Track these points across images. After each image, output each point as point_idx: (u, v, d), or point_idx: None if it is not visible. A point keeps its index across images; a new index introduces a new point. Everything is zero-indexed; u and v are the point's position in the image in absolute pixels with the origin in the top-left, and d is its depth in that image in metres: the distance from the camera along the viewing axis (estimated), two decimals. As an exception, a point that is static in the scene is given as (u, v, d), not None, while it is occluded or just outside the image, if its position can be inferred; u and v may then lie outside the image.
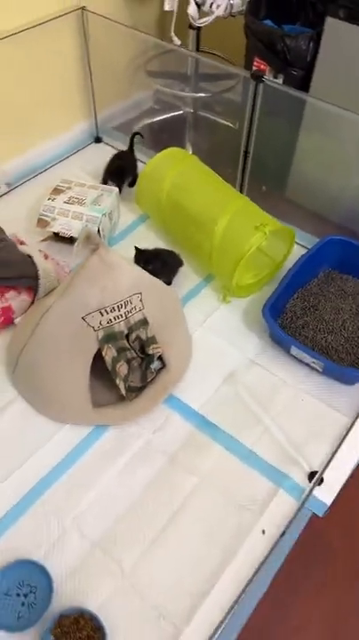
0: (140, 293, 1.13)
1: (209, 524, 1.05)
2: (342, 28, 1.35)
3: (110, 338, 1.11)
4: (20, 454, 1.13)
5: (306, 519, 1.07)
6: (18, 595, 0.95)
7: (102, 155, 1.89)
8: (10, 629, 0.91)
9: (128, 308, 1.11)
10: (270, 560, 0.97)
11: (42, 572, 0.97)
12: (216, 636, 0.89)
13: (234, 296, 1.46)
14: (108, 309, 1.07)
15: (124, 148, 1.75)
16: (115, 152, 1.75)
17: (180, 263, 1.46)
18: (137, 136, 1.71)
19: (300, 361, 1.30)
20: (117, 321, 1.10)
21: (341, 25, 1.35)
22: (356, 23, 1.32)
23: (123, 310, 1.10)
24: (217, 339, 1.37)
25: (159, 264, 1.36)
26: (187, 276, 1.50)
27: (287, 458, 1.15)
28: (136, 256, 1.38)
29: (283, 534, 0.97)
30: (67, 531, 1.04)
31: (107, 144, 1.97)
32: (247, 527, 1.05)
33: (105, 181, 1.67)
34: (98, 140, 1.97)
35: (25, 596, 0.95)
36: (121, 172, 1.66)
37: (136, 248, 1.39)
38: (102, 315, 1.08)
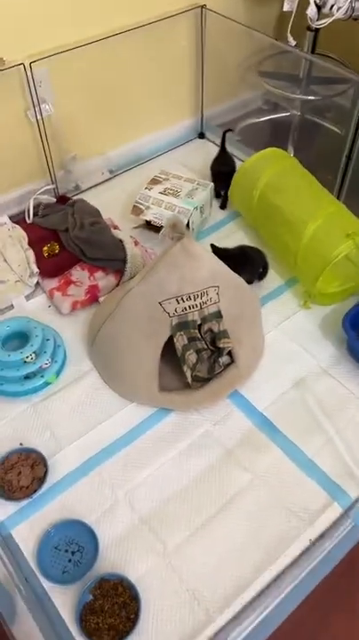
0: (218, 287, 1.15)
1: (256, 523, 1.05)
2: None
3: (183, 326, 1.14)
4: (87, 423, 1.20)
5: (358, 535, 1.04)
6: (66, 551, 1.02)
7: (204, 150, 1.94)
8: (54, 581, 0.98)
9: (204, 299, 1.13)
10: (314, 568, 0.96)
11: (91, 534, 1.03)
12: (246, 632, 0.90)
13: (315, 302, 1.43)
14: (184, 298, 1.11)
15: (227, 146, 1.76)
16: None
17: (264, 262, 1.45)
18: (228, 132, 1.70)
19: (375, 378, 1.25)
20: (192, 310, 1.13)
21: None
22: None
23: (198, 300, 1.12)
24: (291, 343, 1.36)
25: (241, 260, 1.37)
26: (270, 277, 1.49)
27: (347, 473, 1.12)
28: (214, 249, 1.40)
29: (320, 537, 0.95)
30: (119, 502, 1.09)
31: (209, 140, 2.00)
32: (295, 534, 1.03)
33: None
34: (201, 135, 2.01)
35: (72, 553, 1.02)
36: (221, 177, 1.67)
37: (212, 246, 1.40)
38: (178, 302, 1.11)
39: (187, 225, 1.52)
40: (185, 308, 1.12)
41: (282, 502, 1.08)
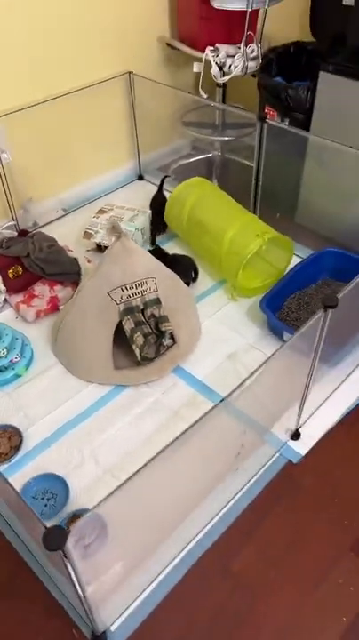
0: (155, 278, 1.42)
1: (203, 460, 1.27)
2: (331, 80, 1.66)
3: (129, 311, 1.41)
4: (54, 403, 1.42)
5: (282, 463, 1.27)
6: (42, 498, 1.21)
7: (143, 189, 2.28)
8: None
9: (144, 287, 1.40)
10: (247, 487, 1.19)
11: (63, 483, 1.23)
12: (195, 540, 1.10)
13: (240, 295, 1.72)
14: (128, 286, 1.38)
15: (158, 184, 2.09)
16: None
17: (195, 267, 1.75)
18: (166, 178, 2.04)
19: (291, 345, 1.53)
20: (134, 297, 1.40)
21: (330, 77, 1.66)
22: (342, 75, 1.64)
23: (139, 289, 1.39)
24: (223, 327, 1.63)
25: (175, 264, 1.65)
26: (202, 280, 1.78)
27: (273, 420, 1.37)
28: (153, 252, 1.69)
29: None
30: (85, 459, 1.29)
31: (147, 181, 2.35)
32: (233, 466, 1.26)
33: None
34: (140, 177, 2.36)
35: (47, 500, 1.21)
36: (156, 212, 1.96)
37: (151, 250, 1.70)
38: (123, 291, 1.38)
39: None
40: (129, 296, 1.39)
41: (223, 445, 1.31)
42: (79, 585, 0.79)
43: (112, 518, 0.83)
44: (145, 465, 0.79)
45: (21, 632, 1.03)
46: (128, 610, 1.05)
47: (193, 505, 1.17)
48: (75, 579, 0.77)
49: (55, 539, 0.67)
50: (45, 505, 1.20)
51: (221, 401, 0.88)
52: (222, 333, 1.62)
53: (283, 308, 1.65)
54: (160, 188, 2.02)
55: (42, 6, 1.72)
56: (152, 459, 0.80)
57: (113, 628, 1.02)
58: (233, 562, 1.12)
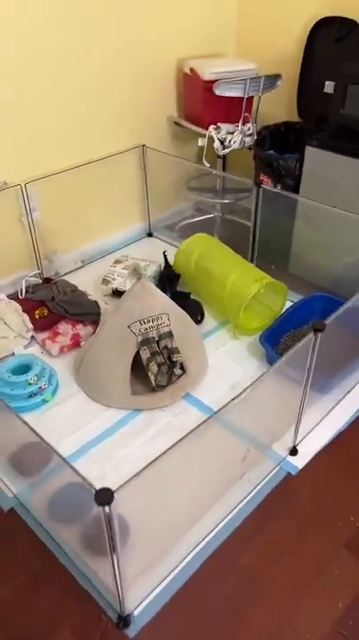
0: (168, 314, 1.65)
1: (214, 473, 1.44)
2: (315, 152, 1.98)
3: (146, 342, 1.61)
4: (79, 424, 1.59)
5: (282, 475, 1.44)
6: (70, 505, 1.36)
7: (152, 244, 2.56)
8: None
9: (159, 322, 1.62)
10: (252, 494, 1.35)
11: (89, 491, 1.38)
12: (209, 537, 1.25)
13: (241, 334, 1.94)
14: (145, 320, 1.59)
15: (168, 240, 2.35)
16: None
17: (201, 309, 1.98)
18: (165, 252, 2.23)
19: (287, 374, 1.73)
20: (151, 330, 1.61)
21: (315, 150, 1.98)
22: (324, 149, 1.95)
23: (155, 323, 1.61)
24: (227, 361, 1.84)
25: (184, 306, 1.88)
26: (207, 320, 2.01)
27: (273, 438, 1.55)
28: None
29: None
30: (107, 472, 1.45)
31: (156, 237, 2.64)
32: (237, 477, 1.42)
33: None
34: (150, 234, 2.65)
35: (75, 506, 1.36)
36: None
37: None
38: (141, 324, 1.60)
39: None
40: (146, 329, 1.60)
41: (229, 460, 1.48)
42: (115, 549, 0.95)
43: (132, 511, 0.99)
44: (159, 456, 0.96)
45: (54, 615, 1.15)
46: (149, 597, 1.18)
47: (207, 505, 1.32)
48: (113, 540, 0.93)
49: (105, 496, 0.84)
50: (73, 510, 1.35)
51: (215, 413, 1.07)
52: (226, 366, 1.82)
53: (279, 343, 1.86)
54: (166, 262, 2.22)
55: (69, 91, 2.06)
56: (164, 452, 0.97)
57: (136, 613, 1.15)
58: (241, 556, 1.26)
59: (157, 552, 1.26)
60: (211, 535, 1.30)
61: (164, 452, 0.97)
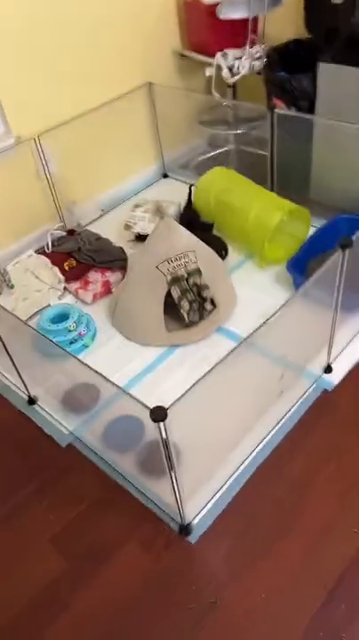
0: (194, 251, 1.68)
1: (254, 393, 1.51)
2: (329, 68, 1.91)
3: (175, 280, 1.66)
4: (120, 364, 1.68)
5: (319, 391, 1.51)
6: (122, 436, 1.46)
7: (169, 185, 2.55)
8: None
9: (186, 259, 1.65)
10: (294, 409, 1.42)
11: (137, 421, 1.48)
12: (256, 450, 1.34)
13: (268, 263, 1.96)
14: (172, 259, 1.63)
15: (184, 179, 2.33)
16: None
17: (224, 245, 2.00)
18: (192, 187, 2.23)
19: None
20: (179, 268, 1.65)
21: (328, 66, 1.91)
22: (338, 63, 1.88)
23: (182, 260, 1.65)
24: (255, 292, 1.88)
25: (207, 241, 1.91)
26: (231, 255, 2.03)
27: (307, 359, 1.60)
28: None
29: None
30: (152, 403, 1.54)
31: (172, 178, 2.62)
32: (275, 396, 1.50)
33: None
34: (165, 175, 2.63)
35: (127, 435, 1.46)
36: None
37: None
38: (169, 263, 1.63)
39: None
40: (174, 267, 1.64)
41: (267, 385, 1.55)
42: (172, 465, 1.04)
43: (182, 430, 1.06)
44: (202, 377, 1.02)
45: (120, 531, 1.28)
46: (205, 508, 1.29)
47: (251, 423, 1.41)
48: (170, 457, 1.01)
49: (159, 414, 0.92)
50: (125, 439, 1.45)
51: (246, 339, 1.12)
52: (255, 297, 1.86)
53: (307, 269, 1.88)
54: (189, 198, 2.20)
55: (72, 35, 2.01)
56: (205, 374, 1.03)
57: (195, 522, 1.27)
58: (286, 466, 1.35)
59: (209, 467, 1.37)
60: (258, 449, 1.39)
61: (206, 374, 1.04)
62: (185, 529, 1.24)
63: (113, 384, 1.04)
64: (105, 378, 1.05)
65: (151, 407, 0.95)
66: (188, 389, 1.01)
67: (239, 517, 1.27)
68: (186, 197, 2.21)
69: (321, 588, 1.14)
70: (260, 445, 1.41)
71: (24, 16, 1.85)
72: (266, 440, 1.42)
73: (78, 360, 1.10)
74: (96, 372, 1.06)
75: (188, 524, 1.25)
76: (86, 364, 1.09)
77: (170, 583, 1.18)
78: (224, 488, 1.33)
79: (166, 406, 0.97)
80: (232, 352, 1.09)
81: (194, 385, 1.02)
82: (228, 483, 1.34)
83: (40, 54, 1.95)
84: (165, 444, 0.99)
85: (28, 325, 1.28)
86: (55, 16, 1.93)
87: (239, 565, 1.19)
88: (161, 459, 1.31)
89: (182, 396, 1.00)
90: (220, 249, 2.01)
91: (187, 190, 2.21)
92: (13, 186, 2.07)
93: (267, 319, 1.17)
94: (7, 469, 1.46)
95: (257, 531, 1.25)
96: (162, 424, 0.94)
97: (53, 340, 1.22)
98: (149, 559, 1.23)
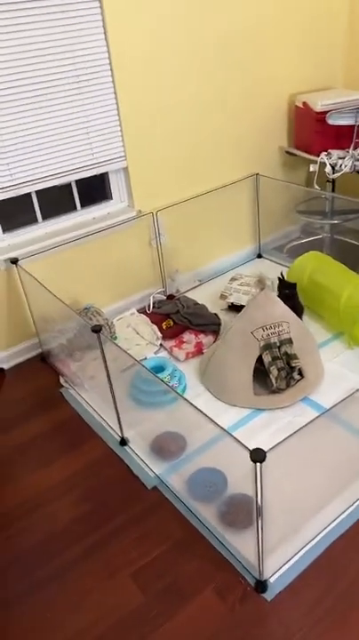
0: (288, 322, 1.80)
1: (342, 459, 1.54)
2: None
3: (267, 347, 1.77)
4: (207, 421, 1.77)
5: None
6: (205, 486, 1.53)
7: (262, 265, 2.74)
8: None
9: (280, 328, 1.78)
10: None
11: (221, 475, 1.55)
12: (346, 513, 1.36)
13: (356, 344, 2.03)
14: (268, 326, 1.76)
15: (277, 260, 2.50)
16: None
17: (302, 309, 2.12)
18: (282, 272, 2.35)
19: None
20: (272, 335, 1.77)
21: None
22: None
23: (277, 329, 1.77)
24: (343, 369, 1.94)
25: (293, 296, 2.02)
26: (321, 332, 2.13)
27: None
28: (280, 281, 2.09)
29: None
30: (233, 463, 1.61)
31: (265, 258, 2.81)
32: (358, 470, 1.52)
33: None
34: (259, 255, 2.83)
35: (209, 487, 1.53)
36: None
37: (280, 278, 2.09)
38: (264, 330, 1.76)
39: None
40: (268, 334, 1.76)
41: (350, 460, 1.57)
42: (260, 513, 1.10)
43: (271, 484, 1.13)
44: (298, 430, 1.10)
45: (198, 577, 1.32)
46: (284, 567, 1.31)
47: (336, 490, 1.43)
48: (260, 493, 1.08)
49: (258, 454, 1.01)
50: (208, 490, 1.52)
51: (331, 407, 1.19)
52: (342, 373, 1.92)
53: None
54: (282, 279, 2.23)
55: (199, 130, 2.34)
56: (299, 428, 1.11)
57: (272, 580, 1.28)
58: (368, 540, 1.35)
59: (291, 527, 1.39)
60: (343, 516, 1.40)
61: (304, 426, 1.12)
62: (261, 585, 1.26)
63: (216, 424, 1.14)
64: (209, 418, 1.16)
65: (251, 448, 1.03)
66: (286, 438, 1.09)
67: (318, 582, 1.27)
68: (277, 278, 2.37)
69: None
70: (346, 512, 1.42)
71: (167, 117, 2.20)
72: (350, 509, 1.43)
73: (186, 400, 1.22)
74: (200, 411, 1.17)
75: (265, 581, 1.27)
76: (193, 405, 1.20)
77: (241, 637, 1.19)
78: (306, 549, 1.34)
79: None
80: (335, 406, 1.17)
81: (291, 435, 1.10)
82: (311, 544, 1.35)
83: (169, 146, 2.28)
84: (260, 485, 1.06)
85: (140, 363, 1.43)
86: (191, 118, 2.27)
87: (312, 632, 1.19)
88: (244, 511, 1.36)
89: (281, 442, 1.08)
90: (300, 311, 2.11)
91: (279, 274, 2.38)
92: (128, 251, 2.35)
93: (352, 393, 1.24)
94: (96, 504, 1.56)
95: (335, 598, 1.24)
96: (258, 465, 1.02)
97: (161, 378, 1.36)
98: (224, 609, 1.25)
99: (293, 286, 2.10)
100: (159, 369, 1.93)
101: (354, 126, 2.26)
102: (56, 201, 2.19)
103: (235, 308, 2.29)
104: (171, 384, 1.86)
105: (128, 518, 1.50)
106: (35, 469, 1.70)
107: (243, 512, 1.42)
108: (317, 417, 1.15)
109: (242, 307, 2.23)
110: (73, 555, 1.42)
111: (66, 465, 1.70)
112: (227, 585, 1.30)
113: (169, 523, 1.46)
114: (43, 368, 2.17)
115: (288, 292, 2.08)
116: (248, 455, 1.03)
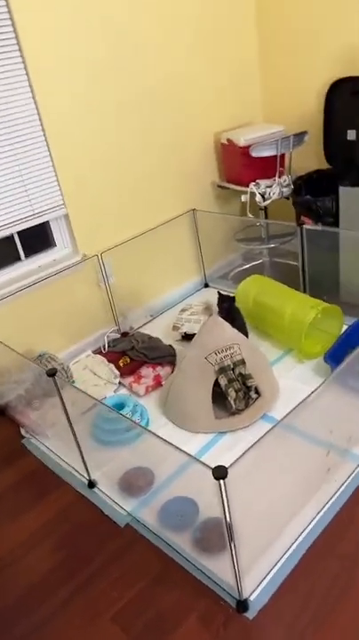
0: (238, 344, 1.87)
1: (300, 476, 1.59)
2: (348, 191, 2.23)
3: (222, 370, 1.83)
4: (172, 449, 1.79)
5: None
6: (177, 515, 1.54)
7: (209, 294, 2.83)
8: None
9: (231, 351, 1.84)
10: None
11: (192, 502, 1.56)
12: (304, 533, 1.40)
13: (305, 358, 2.12)
14: (219, 350, 1.82)
15: (222, 289, 2.62)
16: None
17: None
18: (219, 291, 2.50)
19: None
20: (226, 358, 1.83)
21: (348, 189, 2.23)
22: (355, 186, 2.20)
23: (229, 352, 1.84)
24: (296, 382, 2.02)
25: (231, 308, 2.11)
26: (272, 349, 2.21)
27: (351, 442, 1.69)
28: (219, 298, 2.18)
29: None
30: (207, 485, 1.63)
31: (212, 287, 2.91)
32: (322, 476, 1.57)
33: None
34: (206, 285, 2.93)
35: (181, 516, 1.54)
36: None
37: (219, 294, 2.17)
38: (216, 354, 1.82)
39: (211, 329, 2.29)
40: (221, 358, 1.82)
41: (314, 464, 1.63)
42: (232, 534, 1.13)
43: (238, 502, 1.16)
44: (254, 444, 1.15)
45: (179, 607, 1.31)
46: (261, 585, 1.32)
47: (302, 500, 1.47)
48: (228, 510, 1.11)
49: (220, 471, 1.04)
50: (180, 519, 1.53)
51: (284, 417, 1.26)
52: (297, 387, 1.99)
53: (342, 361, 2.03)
54: (220, 296, 2.38)
55: (131, 175, 2.44)
56: (256, 442, 1.16)
57: (251, 598, 1.30)
58: (339, 544, 1.39)
59: (264, 543, 1.41)
60: (313, 524, 1.44)
61: (256, 442, 1.17)
62: (242, 604, 1.27)
63: (180, 450, 1.17)
64: (172, 445, 1.19)
65: (212, 467, 1.07)
66: (244, 452, 1.14)
67: (295, 594, 1.30)
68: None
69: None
70: (315, 520, 1.46)
71: (101, 165, 2.29)
72: (317, 518, 1.47)
73: (150, 432, 1.25)
74: (163, 439, 1.20)
75: (246, 600, 1.28)
76: (157, 435, 1.23)
77: (229, 661, 1.20)
78: (280, 563, 1.37)
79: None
80: (286, 417, 1.22)
81: (248, 449, 1.15)
82: (282, 560, 1.38)
83: (108, 191, 2.36)
84: (226, 501, 1.09)
85: (101, 402, 1.45)
86: (121, 161, 2.37)
87: (298, 644, 1.21)
88: (218, 534, 1.38)
89: (240, 457, 1.12)
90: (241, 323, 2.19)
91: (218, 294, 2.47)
92: (78, 295, 2.38)
93: (301, 401, 1.31)
94: (71, 550, 1.53)
95: (314, 607, 1.26)
96: (222, 482, 1.06)
97: (123, 414, 1.38)
98: (209, 636, 1.25)
99: (232, 299, 2.20)
100: (120, 406, 1.94)
101: (276, 156, 2.42)
102: (-1, 253, 2.21)
103: (189, 338, 2.34)
104: (133, 419, 1.88)
105: (104, 560, 1.48)
106: (5, 524, 1.66)
107: (217, 535, 1.43)
108: (270, 429, 1.21)
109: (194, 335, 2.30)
110: (52, 606, 1.38)
111: (36, 516, 1.67)
112: (208, 611, 1.30)
113: (145, 558, 1.46)
114: (2, 421, 2.14)
115: (227, 304, 2.18)
116: (211, 474, 1.07)
